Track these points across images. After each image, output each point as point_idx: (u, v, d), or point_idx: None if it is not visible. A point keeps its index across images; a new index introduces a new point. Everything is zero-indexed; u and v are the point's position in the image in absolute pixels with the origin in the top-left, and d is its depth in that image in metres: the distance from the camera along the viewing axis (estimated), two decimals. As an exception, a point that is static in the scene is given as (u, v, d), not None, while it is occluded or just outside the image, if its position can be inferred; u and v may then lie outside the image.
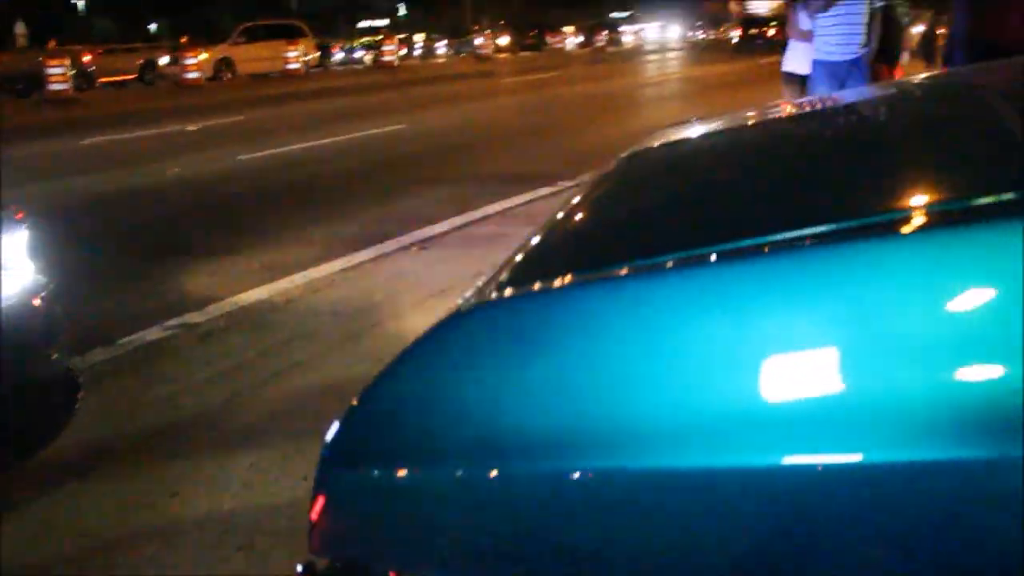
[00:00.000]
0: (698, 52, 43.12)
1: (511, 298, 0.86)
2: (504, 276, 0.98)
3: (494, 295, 0.89)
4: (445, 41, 44.48)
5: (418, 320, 4.09)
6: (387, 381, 0.85)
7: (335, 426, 0.87)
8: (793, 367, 0.74)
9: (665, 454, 0.74)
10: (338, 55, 39.23)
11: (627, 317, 0.78)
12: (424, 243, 5.56)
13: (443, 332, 0.86)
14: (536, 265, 1.02)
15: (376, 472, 0.83)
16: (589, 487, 0.76)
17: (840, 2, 5.66)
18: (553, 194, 7.04)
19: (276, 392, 3.36)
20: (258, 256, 5.42)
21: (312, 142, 10.80)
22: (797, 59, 6.54)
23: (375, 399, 0.86)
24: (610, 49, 50.01)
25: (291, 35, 27.52)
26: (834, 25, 5.70)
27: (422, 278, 4.77)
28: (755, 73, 23.36)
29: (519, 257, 1.08)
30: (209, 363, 3.68)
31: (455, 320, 0.87)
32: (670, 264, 0.82)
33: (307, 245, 5.65)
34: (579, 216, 1.27)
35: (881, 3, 5.81)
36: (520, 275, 0.95)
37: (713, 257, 0.81)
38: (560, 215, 1.28)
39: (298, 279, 4.81)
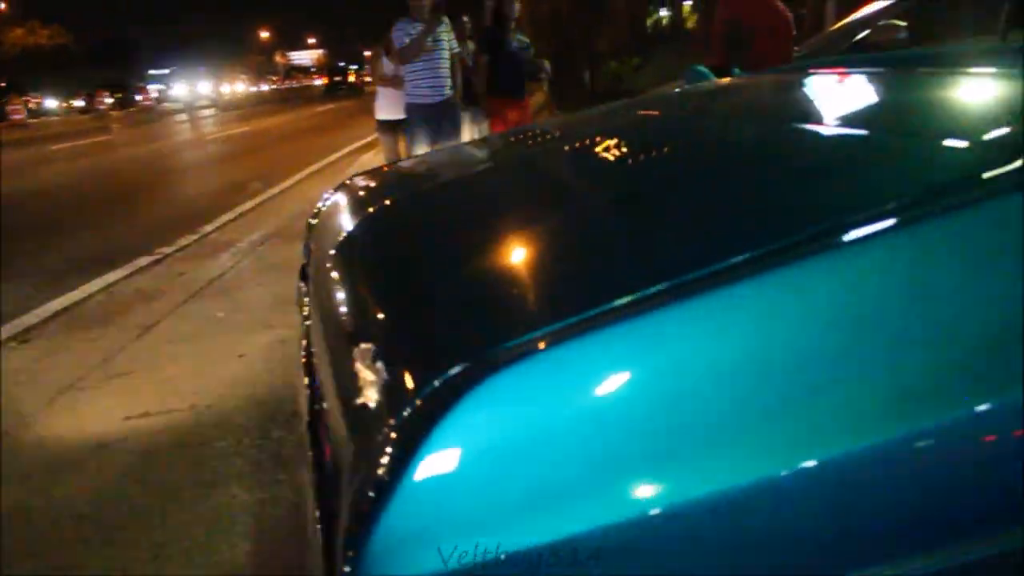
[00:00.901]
0: (254, 104, 42.89)
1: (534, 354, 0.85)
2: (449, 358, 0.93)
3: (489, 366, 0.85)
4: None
5: (56, 422, 3.58)
6: (410, 472, 0.78)
7: (355, 532, 0.77)
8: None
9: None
10: None
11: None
12: (24, 336, 4.88)
13: (468, 408, 0.82)
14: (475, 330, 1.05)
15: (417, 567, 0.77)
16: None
17: (421, 52, 6.03)
18: (155, 262, 6.60)
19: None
20: None
21: None
22: (389, 106, 6.85)
23: (399, 494, 0.78)
24: (156, 107, 47.77)
25: None
26: (422, 71, 6.06)
27: (38, 375, 4.18)
28: (323, 120, 23.88)
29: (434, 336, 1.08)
30: None
31: (488, 389, 0.83)
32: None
33: None
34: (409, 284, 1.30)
35: (459, 50, 6.30)
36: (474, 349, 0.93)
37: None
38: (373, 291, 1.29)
39: None
